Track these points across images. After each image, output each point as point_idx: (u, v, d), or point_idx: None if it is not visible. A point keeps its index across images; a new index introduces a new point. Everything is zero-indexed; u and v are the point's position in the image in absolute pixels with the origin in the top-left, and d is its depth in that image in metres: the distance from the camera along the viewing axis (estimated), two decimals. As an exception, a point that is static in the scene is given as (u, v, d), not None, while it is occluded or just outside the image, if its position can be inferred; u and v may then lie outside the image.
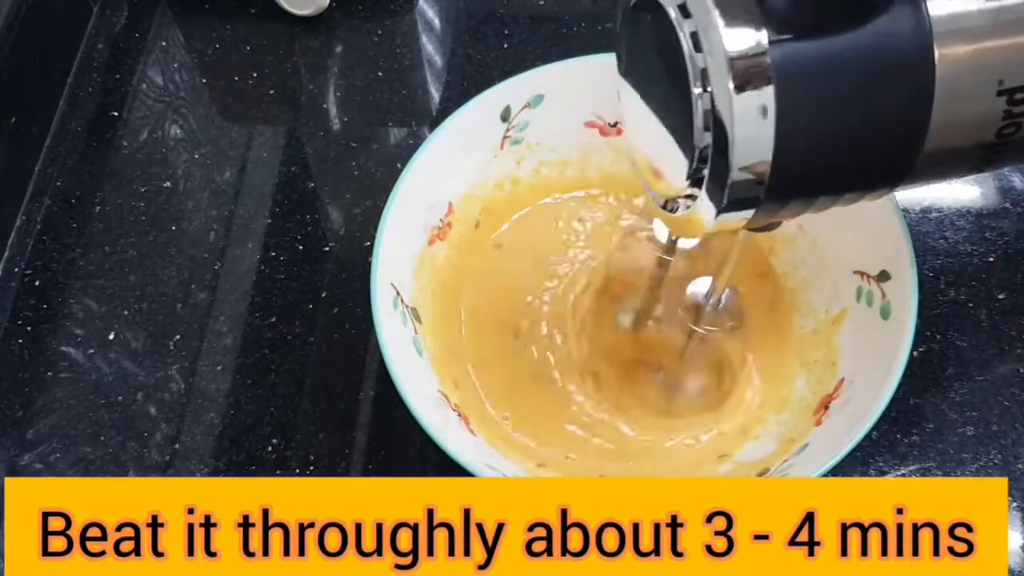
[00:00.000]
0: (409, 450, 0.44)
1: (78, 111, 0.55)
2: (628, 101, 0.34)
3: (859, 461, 0.43)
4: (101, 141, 0.54)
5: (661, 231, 0.42)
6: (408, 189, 0.42)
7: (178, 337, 0.47)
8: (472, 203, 0.46)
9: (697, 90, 0.27)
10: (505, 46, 0.56)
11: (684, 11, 0.27)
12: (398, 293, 0.41)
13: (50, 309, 0.48)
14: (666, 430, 0.43)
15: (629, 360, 0.44)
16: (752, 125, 0.27)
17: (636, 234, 0.45)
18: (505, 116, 0.45)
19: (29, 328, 0.48)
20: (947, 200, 0.50)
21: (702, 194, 0.29)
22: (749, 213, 0.29)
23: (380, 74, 0.55)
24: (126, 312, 0.48)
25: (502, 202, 0.47)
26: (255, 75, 0.56)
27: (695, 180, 0.29)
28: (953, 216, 0.50)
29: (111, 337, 0.47)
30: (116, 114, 0.55)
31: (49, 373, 0.46)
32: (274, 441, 0.44)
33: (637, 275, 0.44)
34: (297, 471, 0.43)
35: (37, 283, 0.49)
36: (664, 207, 0.32)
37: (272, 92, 0.55)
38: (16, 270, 0.50)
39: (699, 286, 0.41)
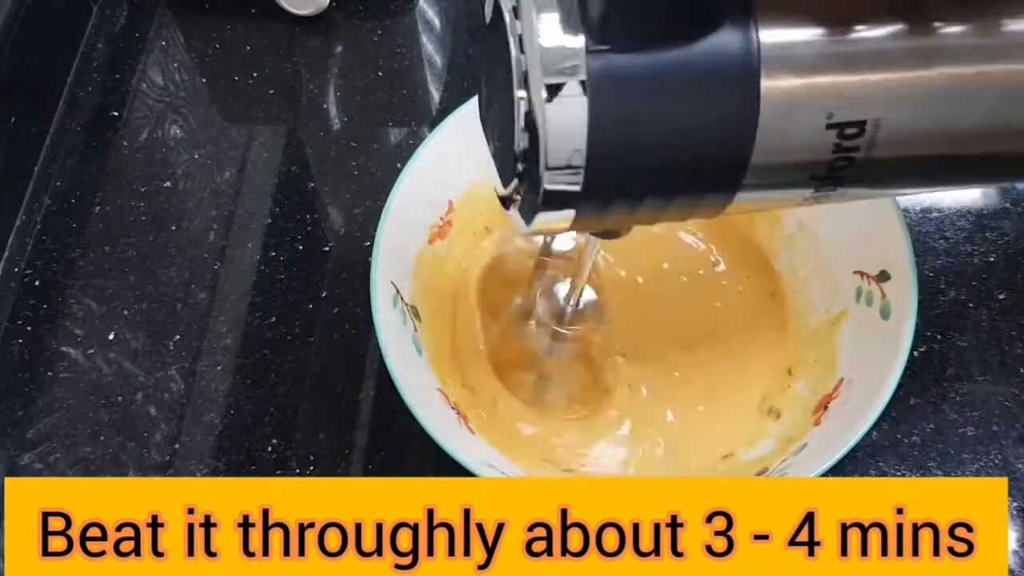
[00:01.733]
0: (409, 450, 0.44)
1: (78, 111, 0.55)
2: (480, 112, 0.34)
3: (859, 461, 0.43)
4: (101, 141, 0.54)
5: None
6: (408, 188, 0.42)
7: (178, 337, 0.47)
8: (473, 201, 0.46)
9: (520, 92, 0.28)
10: (505, 46, 0.56)
11: (516, 13, 0.28)
12: (398, 292, 0.41)
13: (50, 309, 0.48)
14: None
15: (504, 360, 0.45)
16: (564, 128, 0.27)
17: (515, 237, 0.47)
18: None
19: (29, 328, 0.48)
20: (947, 200, 0.50)
21: (522, 193, 0.30)
22: (569, 214, 0.30)
23: (380, 74, 0.55)
24: (126, 312, 0.48)
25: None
26: (255, 75, 0.56)
27: (519, 180, 0.30)
28: (953, 216, 0.50)
29: (111, 337, 0.47)
30: (116, 114, 0.55)
31: (49, 373, 0.46)
32: (274, 441, 0.44)
33: (517, 275, 0.46)
34: (297, 471, 0.43)
35: (37, 283, 0.49)
36: (504, 205, 0.33)
37: (272, 92, 0.55)
38: (16, 270, 0.50)
39: (564, 289, 0.43)
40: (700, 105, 0.28)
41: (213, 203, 0.51)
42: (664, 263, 0.47)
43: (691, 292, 0.46)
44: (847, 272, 0.43)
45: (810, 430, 0.40)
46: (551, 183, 0.28)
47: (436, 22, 0.58)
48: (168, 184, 0.52)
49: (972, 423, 0.44)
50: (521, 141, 0.29)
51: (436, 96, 0.55)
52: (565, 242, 0.44)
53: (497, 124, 0.32)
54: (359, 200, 0.51)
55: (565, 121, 0.27)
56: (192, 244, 0.50)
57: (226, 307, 0.48)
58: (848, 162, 0.30)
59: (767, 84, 0.28)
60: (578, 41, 0.27)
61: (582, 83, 0.27)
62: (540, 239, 0.45)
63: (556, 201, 0.29)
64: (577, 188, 0.29)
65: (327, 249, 0.50)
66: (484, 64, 0.33)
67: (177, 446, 0.44)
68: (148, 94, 0.56)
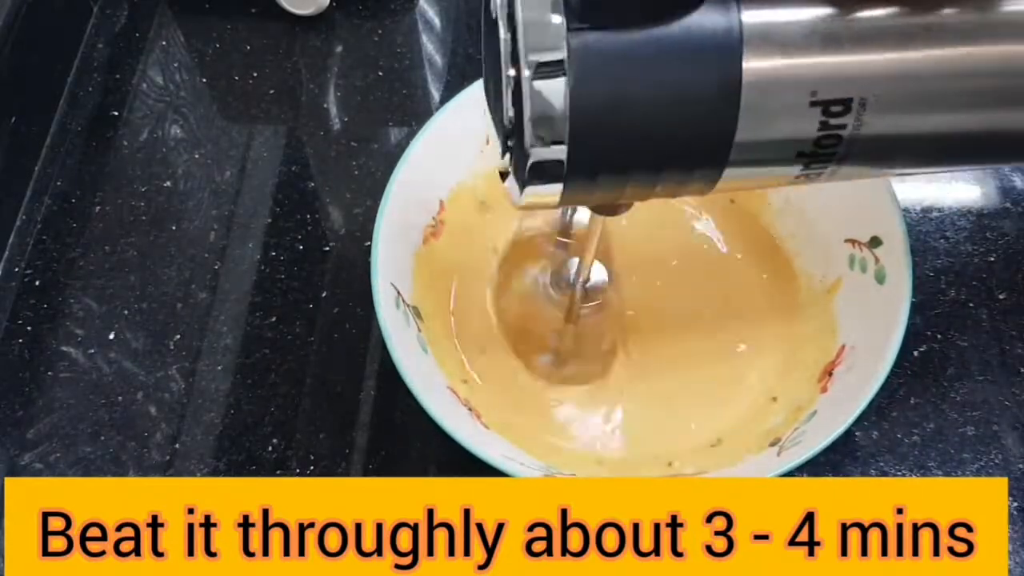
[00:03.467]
0: (410, 450, 0.44)
1: (78, 111, 0.55)
2: (487, 94, 0.35)
3: (859, 461, 0.43)
4: (101, 141, 0.54)
5: (558, 212, 0.46)
6: (399, 191, 0.43)
7: (178, 337, 0.47)
8: (462, 200, 0.46)
9: (507, 70, 0.29)
10: (505, 46, 0.56)
11: None
12: (399, 293, 0.41)
13: (50, 309, 0.48)
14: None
15: (522, 340, 0.45)
16: (546, 105, 0.28)
17: (536, 215, 0.47)
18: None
19: (29, 328, 0.48)
20: (948, 200, 0.50)
21: (512, 168, 0.31)
22: (557, 188, 0.30)
23: (380, 74, 0.55)
24: (126, 312, 0.48)
25: (492, 197, 0.47)
26: (255, 75, 0.56)
27: (507, 156, 0.31)
28: (954, 216, 0.50)
29: (111, 337, 0.47)
30: (116, 114, 0.55)
31: (49, 373, 0.46)
32: (274, 441, 0.44)
33: (535, 253, 0.47)
34: (297, 471, 0.43)
35: (37, 283, 0.49)
36: (501, 179, 0.33)
37: (272, 92, 0.55)
38: (16, 270, 0.50)
39: (575, 266, 0.44)
40: (682, 82, 0.29)
41: (213, 203, 0.51)
42: (669, 241, 0.48)
43: (698, 268, 0.47)
44: (838, 241, 0.43)
45: (817, 398, 0.40)
46: (536, 156, 0.29)
47: (436, 22, 0.58)
48: (168, 184, 0.52)
49: (972, 423, 0.44)
50: (508, 115, 0.30)
51: (436, 96, 0.55)
52: (584, 220, 0.45)
53: (494, 101, 0.32)
54: (359, 200, 0.51)
55: (547, 96, 0.28)
56: (192, 244, 0.50)
57: (226, 307, 0.48)
58: (836, 140, 0.30)
59: (749, 62, 0.29)
60: (560, 19, 0.28)
61: (563, 61, 0.28)
62: (556, 220, 0.46)
63: (542, 174, 0.30)
64: (562, 162, 0.29)
65: (327, 249, 0.50)
66: (487, 48, 0.33)
67: (177, 446, 0.44)
68: (148, 94, 0.56)
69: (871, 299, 0.41)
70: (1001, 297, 0.47)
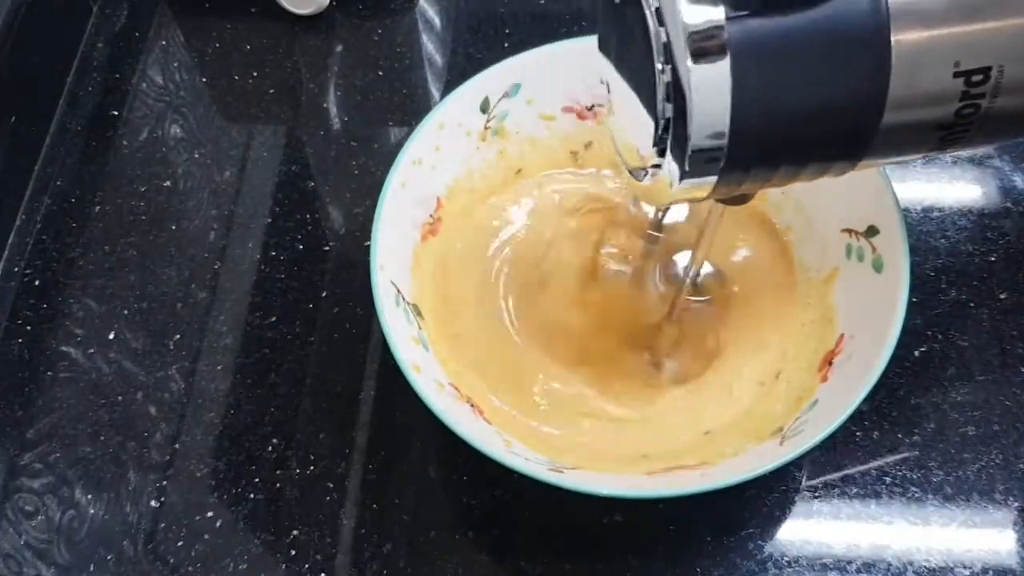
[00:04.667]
0: (410, 449, 0.44)
1: (78, 111, 0.55)
2: (608, 80, 0.35)
3: (859, 460, 0.43)
4: (101, 141, 0.54)
5: (650, 207, 0.45)
6: (397, 189, 0.43)
7: (178, 337, 0.47)
8: (459, 197, 0.46)
9: (660, 63, 0.29)
10: (505, 46, 0.56)
11: None
12: (399, 291, 0.41)
13: (50, 309, 0.48)
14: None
15: (613, 339, 0.45)
16: (709, 95, 0.28)
17: (625, 212, 0.47)
18: (484, 107, 0.45)
19: (29, 328, 0.48)
20: (948, 200, 0.50)
21: (666, 161, 0.31)
22: (711, 180, 0.31)
23: (380, 73, 0.55)
24: (126, 312, 0.48)
25: (488, 193, 0.47)
26: (255, 74, 0.56)
27: (660, 149, 0.31)
28: (954, 216, 0.50)
29: (111, 337, 0.47)
30: (116, 113, 0.55)
31: (49, 373, 0.46)
32: (274, 441, 0.44)
33: (627, 250, 0.46)
34: (297, 471, 0.43)
35: (37, 283, 0.49)
36: (634, 176, 0.34)
37: (272, 91, 0.55)
38: (16, 270, 0.50)
39: (682, 260, 0.44)
40: (835, 63, 0.29)
41: (213, 203, 0.51)
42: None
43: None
44: (835, 231, 0.43)
45: (818, 387, 0.40)
46: (697, 151, 0.29)
47: (436, 22, 0.58)
48: (168, 184, 0.52)
49: (973, 423, 0.44)
50: (665, 112, 0.29)
51: (436, 96, 0.55)
52: (677, 215, 0.45)
53: (636, 95, 0.32)
54: (359, 200, 0.51)
55: (711, 90, 0.28)
56: (192, 244, 0.50)
57: (226, 307, 0.48)
58: (975, 109, 0.31)
59: (896, 37, 0.29)
60: (718, 10, 0.28)
61: (725, 51, 0.28)
62: (652, 214, 0.45)
63: (701, 169, 0.30)
64: (723, 155, 0.30)
65: (327, 248, 0.50)
66: (613, 41, 0.33)
67: (177, 446, 0.44)
68: (148, 94, 0.56)
69: (869, 288, 0.41)
70: (1002, 297, 0.47)
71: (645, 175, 0.33)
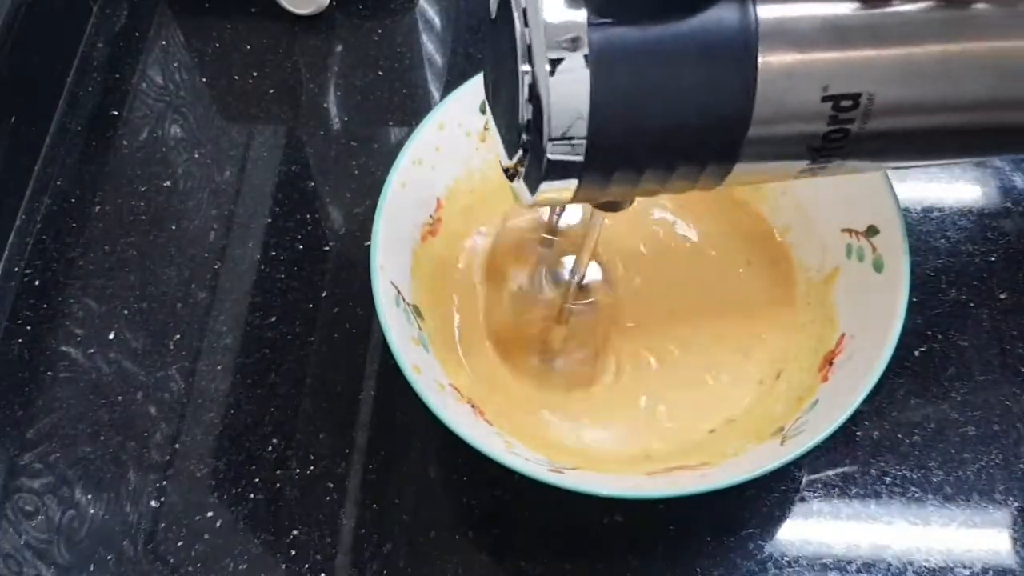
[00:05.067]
0: (410, 449, 0.44)
1: (78, 111, 0.55)
2: (487, 94, 0.35)
3: (859, 460, 0.43)
4: (101, 141, 0.54)
5: (544, 210, 0.45)
6: (397, 189, 0.43)
7: (178, 337, 0.47)
8: (459, 198, 0.46)
9: (523, 66, 0.29)
10: (505, 45, 0.56)
11: None
12: (399, 292, 0.41)
13: (50, 309, 0.48)
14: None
15: (509, 342, 0.45)
16: (565, 96, 0.28)
17: (521, 215, 0.47)
18: (484, 107, 0.45)
19: (29, 328, 0.48)
20: (949, 200, 0.50)
21: (527, 163, 0.31)
22: (572, 183, 0.31)
23: (380, 73, 0.55)
24: (126, 312, 0.48)
25: (488, 194, 0.47)
26: (255, 74, 0.56)
27: (523, 151, 0.31)
28: (955, 216, 0.50)
29: (111, 337, 0.47)
30: (116, 113, 0.55)
31: (49, 373, 0.46)
32: (274, 441, 0.44)
33: (521, 253, 0.46)
34: (297, 471, 0.43)
35: (37, 283, 0.49)
36: (507, 177, 0.33)
37: (272, 91, 0.55)
38: (16, 270, 0.50)
39: (569, 264, 0.44)
40: (699, 77, 0.29)
41: (213, 203, 0.51)
42: (663, 235, 0.48)
43: (695, 261, 0.47)
44: (835, 231, 0.43)
45: (818, 387, 0.40)
46: (554, 153, 0.29)
47: (436, 21, 0.58)
48: (168, 184, 0.52)
49: (973, 423, 0.44)
50: (525, 113, 0.30)
51: (436, 96, 0.55)
52: (570, 218, 0.45)
53: (503, 99, 0.32)
54: (359, 200, 0.51)
55: (567, 92, 0.28)
56: (192, 244, 0.50)
57: (226, 307, 0.48)
58: (844, 134, 0.30)
59: (764, 57, 0.29)
60: (580, 14, 0.28)
61: (584, 56, 0.28)
62: (543, 218, 0.46)
63: (559, 171, 0.30)
64: (580, 158, 0.29)
65: (327, 248, 0.50)
66: (490, 44, 0.34)
67: (177, 446, 0.44)
68: (148, 94, 0.56)
69: (870, 288, 0.41)
70: (1002, 297, 0.47)
71: (515, 176, 0.33)
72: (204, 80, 0.56)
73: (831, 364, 0.41)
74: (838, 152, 0.31)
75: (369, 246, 0.41)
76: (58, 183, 0.52)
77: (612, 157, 0.30)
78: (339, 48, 0.57)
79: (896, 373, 0.44)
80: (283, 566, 0.41)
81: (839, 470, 0.43)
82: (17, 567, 0.42)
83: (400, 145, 0.44)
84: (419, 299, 0.43)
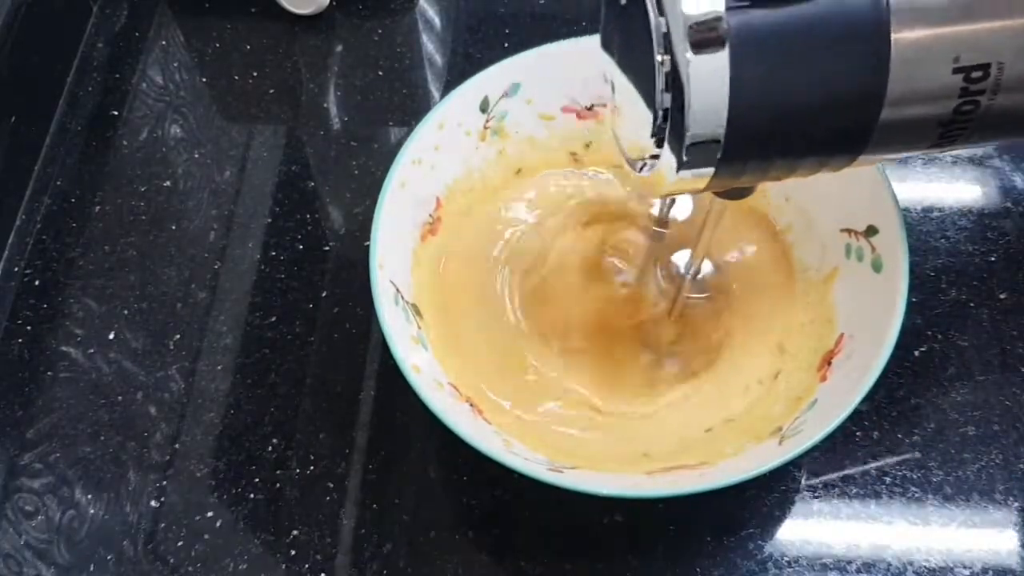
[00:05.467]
0: (410, 449, 0.44)
1: (78, 110, 0.55)
2: (612, 78, 0.35)
3: (860, 460, 0.43)
4: (101, 141, 0.54)
5: (655, 204, 0.45)
6: (396, 188, 0.43)
7: (178, 337, 0.47)
8: (459, 196, 0.46)
9: (659, 55, 0.29)
10: (505, 46, 0.56)
11: None
12: (398, 290, 0.41)
13: (50, 309, 0.48)
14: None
15: (615, 336, 0.45)
16: (707, 86, 0.29)
17: (629, 208, 0.47)
18: (484, 107, 0.46)
19: (29, 328, 0.48)
20: (949, 200, 0.50)
21: (664, 152, 0.31)
22: (709, 171, 0.31)
23: (380, 73, 0.55)
24: (126, 312, 0.48)
25: (488, 193, 0.47)
26: (255, 74, 0.56)
27: (659, 140, 0.31)
28: (955, 216, 0.50)
29: (111, 337, 0.47)
30: (116, 113, 0.55)
31: (49, 373, 0.46)
32: (274, 441, 0.44)
33: (630, 247, 0.46)
34: (297, 471, 0.43)
35: (37, 283, 0.49)
36: (633, 168, 0.34)
37: (272, 91, 0.55)
38: (16, 270, 0.50)
39: (682, 257, 0.44)
40: (834, 58, 0.29)
41: (213, 203, 0.51)
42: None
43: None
44: (834, 231, 0.44)
45: (817, 387, 0.40)
46: (694, 142, 0.29)
47: (436, 21, 0.58)
48: (168, 184, 0.52)
49: (973, 423, 0.44)
50: (663, 101, 0.30)
51: (436, 96, 0.55)
52: (682, 211, 0.46)
53: (637, 89, 0.32)
54: (359, 199, 0.51)
55: (709, 79, 0.28)
56: (192, 244, 0.50)
57: (226, 307, 0.48)
58: (974, 106, 0.31)
59: (896, 29, 0.29)
60: (718, 1, 0.28)
61: (724, 43, 0.28)
62: (657, 211, 0.46)
63: (698, 160, 0.30)
64: (719, 147, 0.30)
65: (327, 248, 0.50)
66: (616, 29, 0.34)
67: (177, 446, 0.44)
68: (148, 94, 0.56)
69: (869, 288, 0.41)
70: (1002, 297, 0.47)
71: (644, 166, 0.33)
72: (204, 80, 0.56)
73: (830, 364, 0.41)
74: (967, 126, 0.31)
75: (369, 246, 0.41)
76: (58, 183, 0.52)
77: (750, 144, 0.30)
78: (339, 48, 0.57)
79: (896, 373, 0.44)
80: (283, 566, 0.41)
81: (839, 470, 0.43)
82: (17, 567, 0.42)
83: (400, 145, 0.44)
84: (419, 298, 0.43)
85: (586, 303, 0.45)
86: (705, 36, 0.28)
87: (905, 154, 0.34)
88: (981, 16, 0.30)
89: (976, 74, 0.30)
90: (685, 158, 0.30)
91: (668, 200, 0.45)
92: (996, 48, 0.30)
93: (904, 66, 0.30)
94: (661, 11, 0.29)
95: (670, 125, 0.30)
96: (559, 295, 0.46)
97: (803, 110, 0.30)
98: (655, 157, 0.32)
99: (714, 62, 0.28)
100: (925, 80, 0.30)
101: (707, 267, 0.45)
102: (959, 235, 0.49)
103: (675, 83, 0.29)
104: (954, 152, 0.51)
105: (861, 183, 0.42)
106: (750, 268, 0.46)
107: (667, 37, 0.29)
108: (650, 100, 0.31)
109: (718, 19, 0.28)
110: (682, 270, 0.44)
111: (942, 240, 0.49)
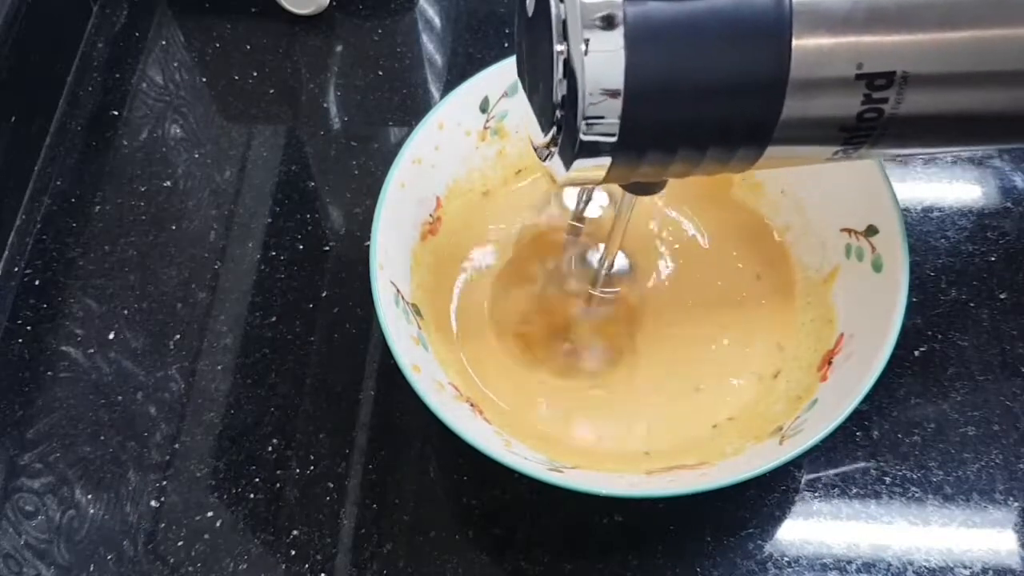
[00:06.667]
0: (410, 450, 0.44)
1: (78, 110, 0.55)
2: (521, 81, 0.36)
3: (860, 459, 0.43)
4: (101, 140, 0.54)
5: (570, 199, 0.46)
6: (396, 188, 0.43)
7: (178, 337, 0.47)
8: (458, 197, 0.46)
9: (558, 45, 0.29)
10: (505, 45, 0.56)
11: None
12: (398, 291, 0.41)
13: (50, 309, 0.48)
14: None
15: (541, 327, 0.45)
16: (601, 75, 0.28)
17: (550, 204, 0.47)
18: (484, 107, 0.46)
19: (29, 328, 0.48)
20: (949, 199, 0.50)
21: (559, 141, 0.31)
22: (605, 162, 0.31)
23: (380, 73, 0.55)
24: (126, 312, 0.48)
25: (488, 192, 0.47)
26: (255, 74, 0.56)
27: (557, 129, 0.31)
28: (954, 215, 0.50)
29: (111, 337, 0.47)
30: (116, 113, 0.55)
31: (49, 373, 0.46)
32: (274, 441, 0.44)
33: (547, 243, 0.46)
34: (297, 471, 0.43)
35: (37, 283, 0.49)
36: (539, 156, 0.34)
37: (272, 91, 0.55)
38: (16, 270, 0.50)
39: (597, 252, 0.44)
40: (733, 55, 0.29)
41: (213, 203, 0.51)
42: (663, 233, 0.48)
43: (694, 260, 0.47)
44: (834, 230, 0.44)
45: (817, 386, 0.40)
46: (588, 130, 0.29)
47: (436, 21, 0.58)
48: (168, 183, 0.52)
49: (973, 423, 0.44)
50: (559, 90, 0.30)
51: (436, 96, 0.55)
52: (597, 209, 0.46)
53: (538, 81, 0.33)
54: (359, 200, 0.51)
55: (602, 69, 0.28)
56: (192, 243, 0.50)
57: (226, 307, 0.48)
58: (878, 114, 0.30)
59: (798, 36, 0.29)
60: None
61: (620, 33, 0.28)
62: (570, 209, 0.46)
63: (593, 149, 0.30)
64: (613, 136, 0.30)
65: (327, 249, 0.50)
66: (525, 31, 0.34)
67: (177, 446, 0.44)
68: (148, 94, 0.56)
69: (869, 287, 0.41)
70: (1002, 297, 0.47)
71: (548, 156, 0.33)
72: (204, 80, 0.56)
73: (830, 363, 0.41)
74: (871, 133, 0.31)
75: (369, 246, 0.41)
76: (58, 183, 0.52)
77: (646, 135, 0.30)
78: (339, 48, 0.57)
79: (896, 373, 0.44)
80: (283, 566, 0.41)
81: (839, 470, 0.43)
82: (17, 567, 0.42)
83: (400, 145, 0.44)
84: (418, 298, 0.43)
85: (533, 303, 0.46)
86: (599, 21, 0.28)
87: (812, 160, 0.34)
88: (886, 23, 0.30)
89: (879, 82, 0.30)
90: (578, 148, 0.30)
91: (585, 197, 0.45)
92: (901, 56, 0.30)
93: (805, 68, 0.29)
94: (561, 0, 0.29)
95: (566, 115, 0.30)
96: (516, 297, 0.46)
97: (700, 104, 0.30)
98: (556, 145, 0.32)
99: (608, 52, 0.28)
100: (827, 84, 0.30)
101: (620, 263, 0.45)
102: (959, 235, 0.49)
103: (570, 71, 0.29)
104: (954, 152, 0.51)
105: (861, 183, 0.42)
106: (749, 269, 0.46)
107: (565, 25, 0.29)
108: (548, 90, 0.31)
109: (613, 9, 0.28)
110: (595, 265, 0.44)
111: (942, 240, 0.49)
